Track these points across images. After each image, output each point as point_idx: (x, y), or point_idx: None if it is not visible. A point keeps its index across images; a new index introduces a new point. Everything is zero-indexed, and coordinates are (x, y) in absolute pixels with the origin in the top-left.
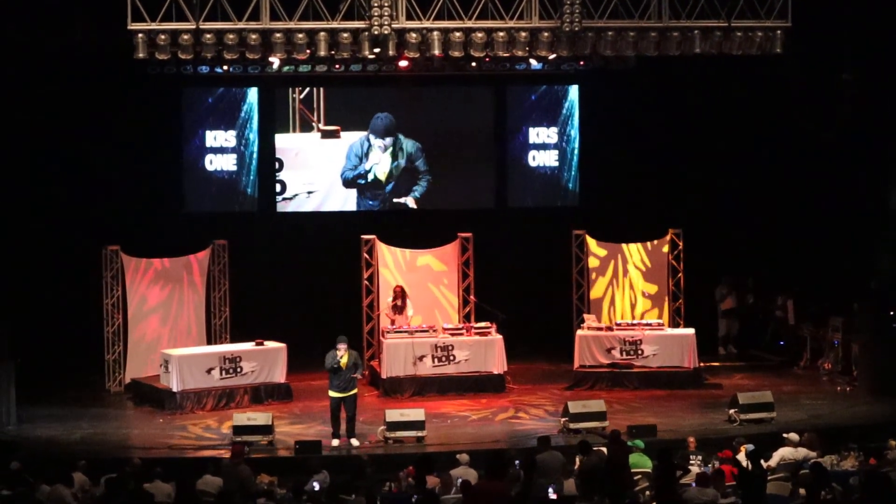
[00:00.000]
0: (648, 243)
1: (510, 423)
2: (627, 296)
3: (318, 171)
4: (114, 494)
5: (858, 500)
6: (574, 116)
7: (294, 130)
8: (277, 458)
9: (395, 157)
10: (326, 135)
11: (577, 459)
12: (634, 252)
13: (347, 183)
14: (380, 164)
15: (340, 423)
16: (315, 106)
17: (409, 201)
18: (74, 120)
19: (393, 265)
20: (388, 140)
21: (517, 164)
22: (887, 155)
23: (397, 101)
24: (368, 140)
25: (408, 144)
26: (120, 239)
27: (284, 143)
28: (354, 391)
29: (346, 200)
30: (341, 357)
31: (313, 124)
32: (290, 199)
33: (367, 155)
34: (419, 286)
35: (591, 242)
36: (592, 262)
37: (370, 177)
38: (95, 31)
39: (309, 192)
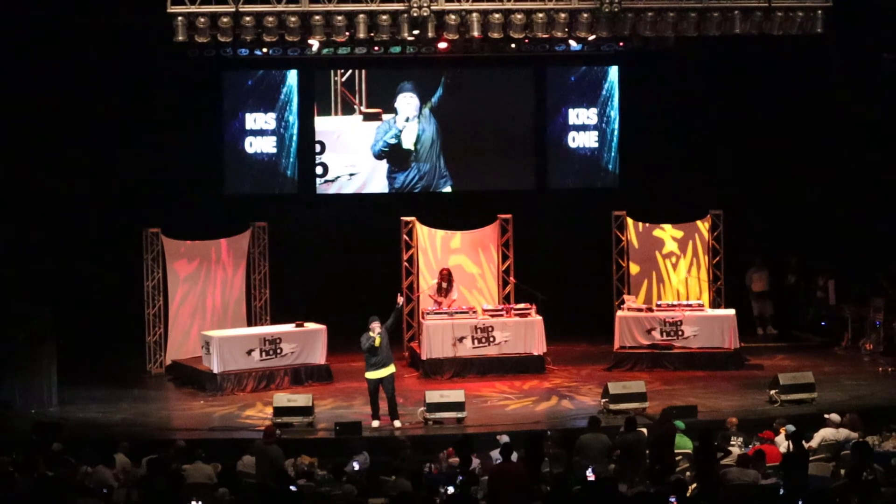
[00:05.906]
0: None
1: (550, 403)
2: (679, 277)
3: (359, 153)
4: (155, 475)
5: None
6: (614, 97)
7: (336, 113)
8: (317, 440)
9: (420, 123)
10: (368, 117)
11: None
12: (676, 233)
13: (377, 155)
14: (407, 130)
15: (380, 404)
16: (357, 89)
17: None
18: (115, 102)
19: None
20: (416, 98)
21: (557, 145)
22: None
23: (436, 83)
24: (396, 109)
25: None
26: (160, 221)
27: (326, 125)
28: (391, 370)
29: (388, 182)
30: (376, 336)
31: (355, 107)
32: (332, 181)
33: (395, 121)
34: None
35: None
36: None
37: (398, 141)
38: (135, 13)
39: (350, 175)
